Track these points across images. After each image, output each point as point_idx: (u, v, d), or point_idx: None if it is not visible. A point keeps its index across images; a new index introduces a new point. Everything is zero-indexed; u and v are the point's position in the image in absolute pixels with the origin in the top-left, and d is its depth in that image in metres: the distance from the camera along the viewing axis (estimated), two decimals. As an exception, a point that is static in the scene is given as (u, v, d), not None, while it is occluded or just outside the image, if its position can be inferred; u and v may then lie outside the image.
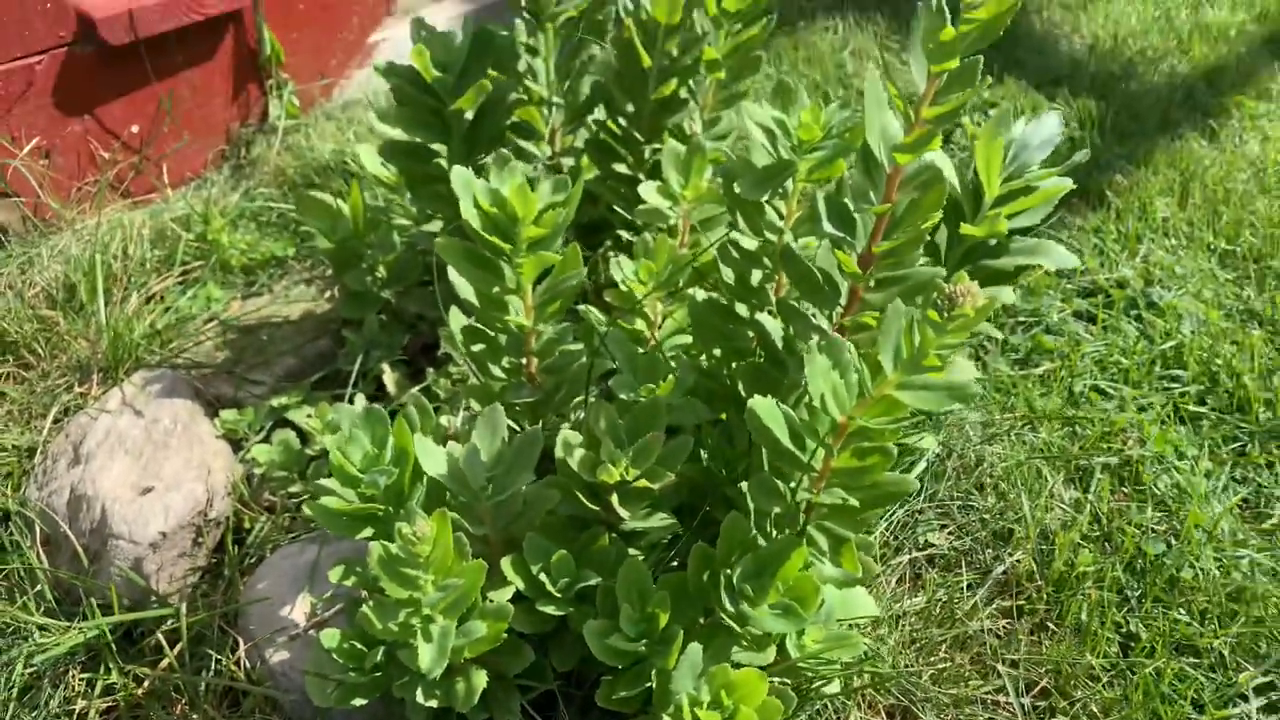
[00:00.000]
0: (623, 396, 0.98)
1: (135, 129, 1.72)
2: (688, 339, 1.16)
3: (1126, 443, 1.38)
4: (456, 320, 1.02)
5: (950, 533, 1.24)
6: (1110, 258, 1.74)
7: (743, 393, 0.97)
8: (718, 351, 1.08)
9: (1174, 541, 1.24)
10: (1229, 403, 1.47)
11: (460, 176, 0.93)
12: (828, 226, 0.83)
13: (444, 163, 1.21)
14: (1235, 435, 1.42)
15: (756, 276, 1.00)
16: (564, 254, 0.97)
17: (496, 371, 1.04)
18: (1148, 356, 1.53)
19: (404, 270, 1.39)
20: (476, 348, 1.01)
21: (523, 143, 1.29)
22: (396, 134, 1.19)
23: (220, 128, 1.88)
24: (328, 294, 1.58)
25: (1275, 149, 2.04)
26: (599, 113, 1.29)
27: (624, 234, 1.28)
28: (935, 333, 0.70)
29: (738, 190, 0.88)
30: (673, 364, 1.15)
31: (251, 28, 1.82)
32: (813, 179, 0.89)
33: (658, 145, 1.25)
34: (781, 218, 0.96)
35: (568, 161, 1.27)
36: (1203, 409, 1.46)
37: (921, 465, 1.25)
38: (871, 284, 0.86)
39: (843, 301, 0.90)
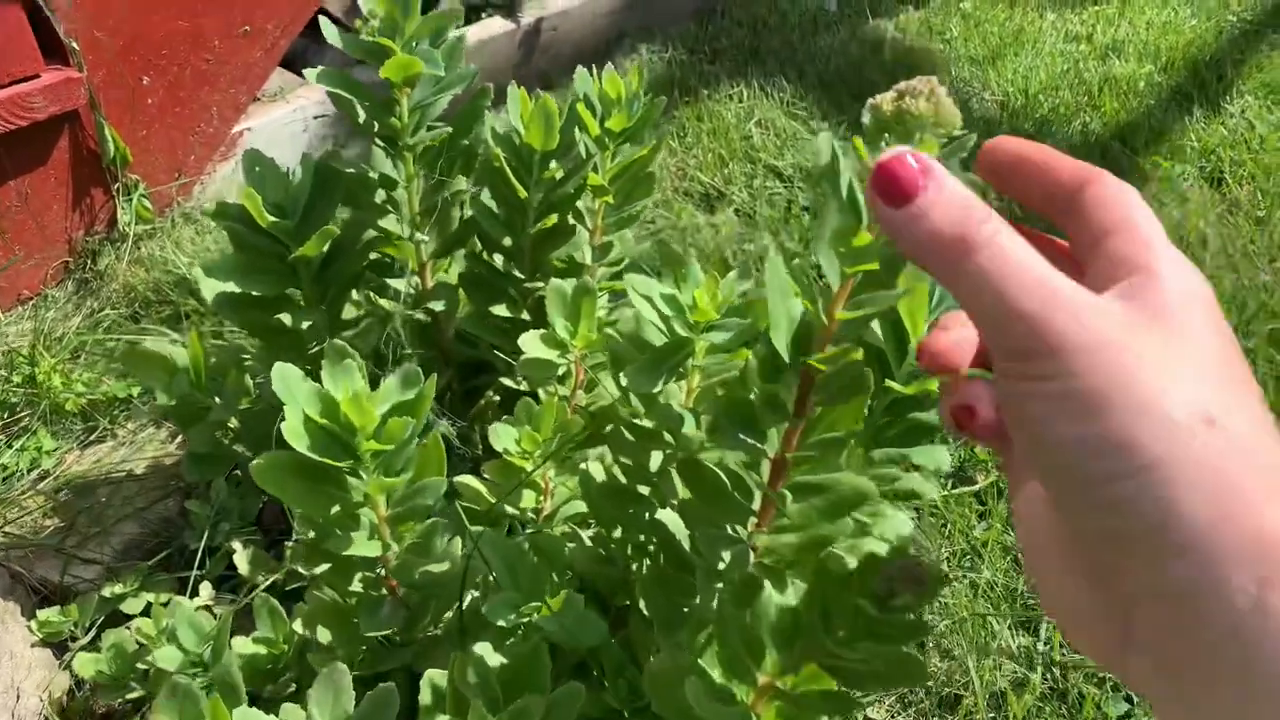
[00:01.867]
0: (501, 623, 0.81)
1: (-50, 253, 1.50)
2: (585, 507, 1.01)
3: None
4: (303, 530, 0.85)
5: (891, 707, 1.10)
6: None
7: (644, 609, 0.82)
8: (619, 533, 0.93)
9: (1137, 700, 1.12)
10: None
11: (282, 376, 0.76)
12: (730, 435, 0.68)
13: (288, 318, 1.04)
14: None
15: (656, 459, 0.85)
16: (419, 452, 0.81)
17: (354, 585, 0.87)
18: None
19: (259, 423, 1.20)
20: (321, 569, 0.83)
21: (390, 281, 1.12)
22: (229, 288, 1.01)
23: (60, 238, 1.67)
24: (180, 438, 1.39)
25: (1195, 214, 1.97)
26: (471, 247, 1.13)
27: (508, 381, 1.11)
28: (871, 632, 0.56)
29: (624, 383, 0.72)
30: (568, 544, 1.00)
31: (91, 127, 1.62)
32: (711, 366, 0.75)
33: (541, 284, 1.09)
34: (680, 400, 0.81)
35: (435, 304, 1.10)
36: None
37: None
38: (788, 494, 0.72)
39: (755, 507, 0.76)
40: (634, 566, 0.85)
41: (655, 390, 0.73)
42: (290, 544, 1.00)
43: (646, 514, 0.83)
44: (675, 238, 1.84)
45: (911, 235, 0.38)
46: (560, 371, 1.07)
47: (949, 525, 1.30)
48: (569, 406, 1.10)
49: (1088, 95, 2.32)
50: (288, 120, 1.92)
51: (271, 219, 1.00)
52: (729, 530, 0.73)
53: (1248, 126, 2.23)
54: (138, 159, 1.69)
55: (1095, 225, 0.40)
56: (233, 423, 1.22)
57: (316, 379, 0.76)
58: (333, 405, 0.75)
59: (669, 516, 0.79)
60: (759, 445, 0.67)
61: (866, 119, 0.52)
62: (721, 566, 0.69)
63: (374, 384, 0.78)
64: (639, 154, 1.08)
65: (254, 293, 1.02)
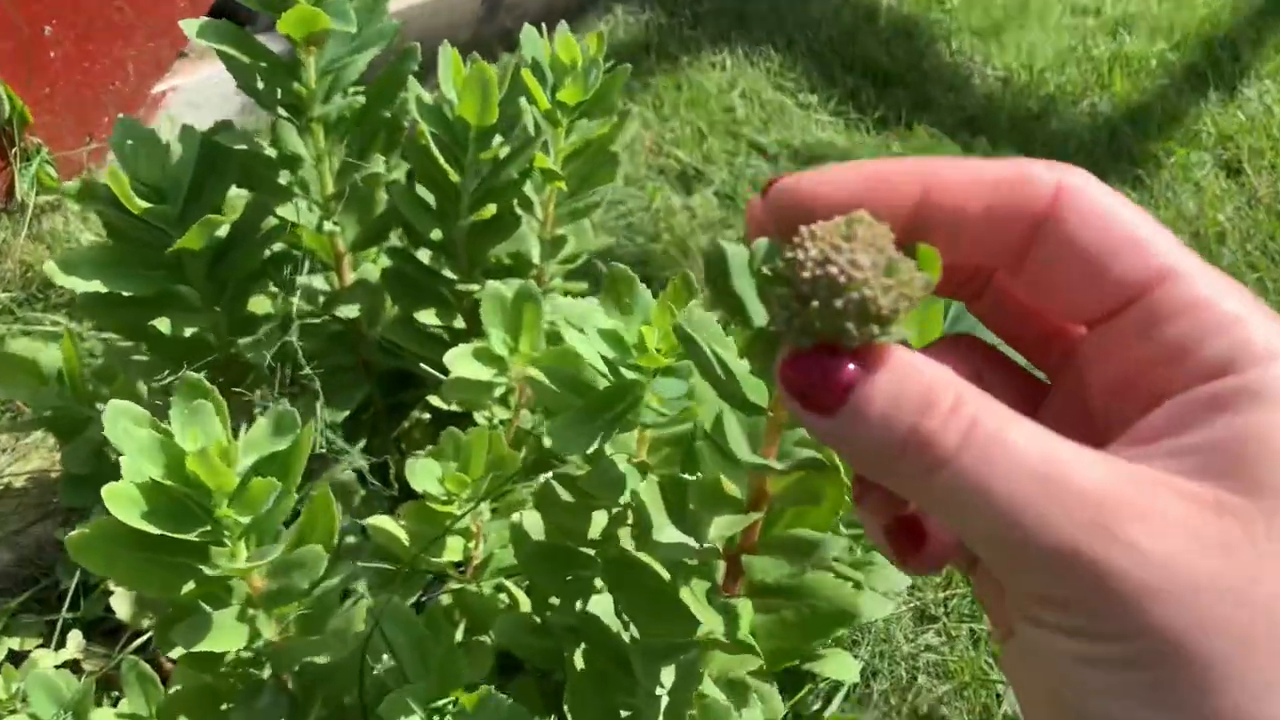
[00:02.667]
0: (403, 725, 0.65)
1: None
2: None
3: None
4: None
5: (881, 787, 0.94)
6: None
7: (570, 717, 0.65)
8: (555, 600, 0.76)
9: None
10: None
11: (116, 418, 0.59)
12: (668, 535, 0.51)
13: (165, 324, 0.86)
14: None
15: (598, 522, 0.68)
16: (305, 510, 0.64)
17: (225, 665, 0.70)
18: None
19: (149, 439, 1.03)
20: (178, 653, 0.66)
21: (303, 278, 0.94)
22: (95, 287, 0.83)
23: (-50, 209, 1.48)
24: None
25: (1211, 206, 1.82)
26: (397, 238, 0.95)
27: (438, 402, 0.94)
28: None
29: (548, 444, 0.56)
30: (498, 603, 0.84)
31: (-19, 82, 1.42)
32: (661, 423, 0.58)
33: (477, 286, 0.92)
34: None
35: (348, 310, 0.93)
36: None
37: (839, 698, 0.96)
38: (747, 604, 0.55)
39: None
40: (566, 654, 0.69)
41: (589, 451, 0.56)
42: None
43: (580, 600, 0.67)
44: (647, 223, 1.66)
45: (850, 451, 0.27)
46: (498, 393, 0.90)
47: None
48: (509, 432, 0.93)
49: (1097, 75, 2.16)
50: (219, 79, 1.72)
51: (144, 204, 0.81)
52: (675, 638, 0.56)
53: (1266, 112, 2.07)
54: (39, 120, 1.49)
55: (1117, 297, 0.28)
56: (122, 435, 1.04)
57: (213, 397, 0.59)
58: (178, 461, 0.57)
59: (603, 606, 0.63)
60: (703, 545, 0.50)
61: (766, 270, 0.30)
62: (662, 691, 0.53)
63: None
64: (598, 131, 0.91)
65: (126, 293, 0.84)
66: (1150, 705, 0.22)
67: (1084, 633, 0.23)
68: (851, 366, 0.28)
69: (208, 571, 0.58)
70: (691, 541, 0.52)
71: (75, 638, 0.95)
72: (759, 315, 0.40)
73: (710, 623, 0.50)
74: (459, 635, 0.89)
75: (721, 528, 0.51)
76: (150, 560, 0.59)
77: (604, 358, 0.54)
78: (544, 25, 0.91)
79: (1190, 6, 2.42)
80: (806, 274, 0.29)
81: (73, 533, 0.58)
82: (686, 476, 0.55)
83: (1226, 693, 0.22)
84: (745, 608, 0.52)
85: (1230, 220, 1.78)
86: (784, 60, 2.06)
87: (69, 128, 1.54)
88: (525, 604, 0.83)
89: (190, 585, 0.61)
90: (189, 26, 0.79)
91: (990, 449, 0.25)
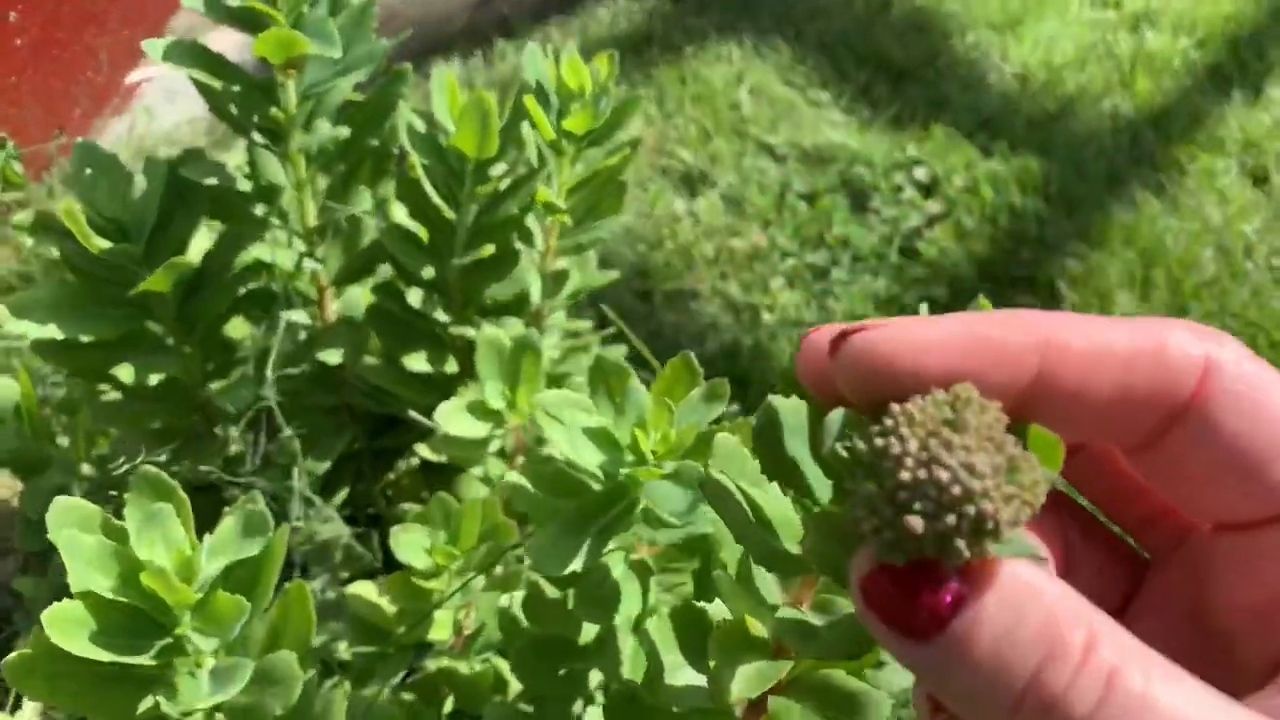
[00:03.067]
0: None
1: None
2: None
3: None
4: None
5: None
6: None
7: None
8: (547, 693, 0.70)
9: None
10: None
11: (61, 518, 0.52)
12: (683, 678, 0.45)
13: (128, 371, 0.78)
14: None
15: (590, 632, 0.61)
16: (274, 613, 0.57)
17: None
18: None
19: (110, 477, 0.95)
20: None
21: (288, 314, 0.86)
22: (51, 332, 0.75)
23: (-91, 205, 1.39)
24: (36, 470, 1.13)
25: (1238, 215, 1.75)
26: (385, 271, 0.87)
27: (427, 453, 0.87)
28: None
29: (529, 565, 0.49)
30: (489, 680, 0.77)
31: (-59, 72, 1.33)
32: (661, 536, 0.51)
33: (470, 329, 0.84)
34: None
35: (331, 355, 0.85)
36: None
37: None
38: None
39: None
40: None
41: (575, 570, 0.49)
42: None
43: (576, 701, 0.60)
44: (647, 229, 1.59)
45: (945, 691, 0.22)
46: (494, 449, 0.83)
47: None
48: (502, 490, 0.86)
49: (1118, 73, 2.07)
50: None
51: (104, 244, 0.73)
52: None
53: (1293, 116, 2.00)
54: (3, 111, 1.40)
55: None
56: (86, 469, 0.97)
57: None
58: (133, 572, 0.50)
59: (599, 722, 0.56)
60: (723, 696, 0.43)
61: (850, 447, 0.24)
62: None
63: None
64: (607, 163, 0.83)
65: (84, 339, 0.76)
66: None
67: None
68: (954, 584, 0.22)
69: (167, 710, 0.51)
70: (706, 686, 0.45)
71: (32, 705, 0.88)
72: (821, 487, 0.32)
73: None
74: (448, 707, 0.83)
75: (748, 682, 0.44)
76: (100, 684, 0.52)
77: (588, 460, 0.47)
78: (543, 15, 0.82)
79: (1214, 1, 2.33)
80: (906, 475, 0.22)
81: (9, 656, 0.50)
82: (700, 605, 0.48)
83: None
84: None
85: (1258, 233, 1.71)
86: (793, 53, 1.97)
87: (35, 119, 1.45)
88: (515, 686, 0.77)
89: (147, 704, 0.54)
90: (152, 48, 0.70)
91: (1135, 715, 0.20)
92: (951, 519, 0.22)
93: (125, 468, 0.87)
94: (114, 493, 0.96)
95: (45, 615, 0.48)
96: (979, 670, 0.21)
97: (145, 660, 0.51)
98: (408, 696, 0.81)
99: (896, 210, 1.67)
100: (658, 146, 1.75)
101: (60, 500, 0.52)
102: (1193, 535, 0.28)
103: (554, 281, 0.90)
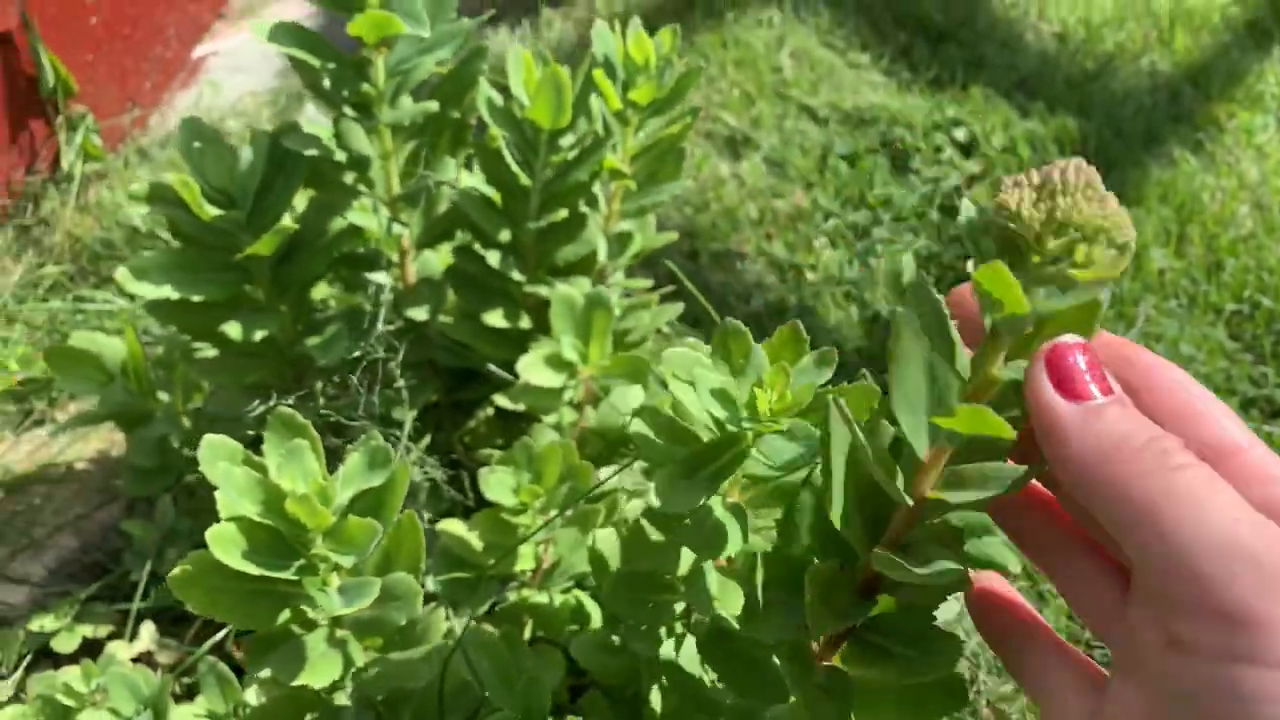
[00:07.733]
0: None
1: None
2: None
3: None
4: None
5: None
6: (1107, 327, 1.45)
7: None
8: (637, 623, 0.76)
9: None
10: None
11: (213, 455, 0.58)
12: (774, 611, 0.50)
13: (236, 328, 0.85)
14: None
15: (686, 559, 0.67)
16: (388, 539, 0.64)
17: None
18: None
19: (210, 426, 1.03)
20: (265, 674, 0.67)
21: (371, 275, 0.93)
22: (165, 292, 0.82)
23: (-3, 178, 1.47)
24: (131, 424, 1.22)
25: (1275, 171, 1.76)
26: (463, 236, 0.93)
27: (504, 401, 0.94)
28: None
29: (655, 503, 0.55)
30: (568, 609, 0.84)
31: (25, 52, 1.40)
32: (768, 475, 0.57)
33: (543, 288, 0.90)
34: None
35: (417, 312, 0.92)
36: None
37: None
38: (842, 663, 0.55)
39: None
40: (644, 688, 0.69)
41: (697, 505, 0.55)
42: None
43: (662, 628, 0.66)
44: (693, 192, 1.64)
45: (1088, 433, 0.32)
46: (567, 398, 0.89)
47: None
48: (574, 432, 0.93)
49: (1157, 30, 2.08)
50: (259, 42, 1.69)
51: (215, 211, 0.80)
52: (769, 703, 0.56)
53: (1333, 71, 2.00)
54: (83, 88, 1.47)
55: None
56: (184, 421, 1.05)
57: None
58: (276, 500, 0.57)
59: (688, 654, 0.62)
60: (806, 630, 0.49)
61: (974, 216, 0.38)
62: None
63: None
64: (668, 131, 0.89)
65: (195, 298, 0.83)
66: None
67: (1266, 660, 0.28)
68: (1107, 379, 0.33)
69: (310, 613, 0.58)
70: (794, 621, 0.51)
71: (149, 629, 0.97)
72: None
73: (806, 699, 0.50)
74: (526, 634, 0.90)
75: (836, 617, 0.49)
76: (249, 597, 0.60)
77: (712, 414, 0.53)
78: None
79: (1254, -45, 2.32)
80: (1029, 211, 0.35)
81: (174, 571, 0.58)
82: (789, 548, 0.54)
83: None
84: (844, 685, 0.51)
85: (1294, 189, 1.73)
86: (833, 16, 2.00)
87: (111, 95, 1.53)
88: (597, 617, 0.84)
89: (286, 614, 0.62)
90: (258, 29, 0.76)
91: (1205, 475, 0.30)
92: (1057, 208, 0.34)
93: (227, 417, 0.95)
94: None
95: (209, 533, 0.55)
96: (1124, 421, 0.31)
97: (287, 575, 0.58)
98: (489, 628, 0.88)
99: (937, 170, 1.70)
100: (703, 112, 1.79)
101: (209, 438, 0.59)
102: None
103: (618, 243, 0.96)
